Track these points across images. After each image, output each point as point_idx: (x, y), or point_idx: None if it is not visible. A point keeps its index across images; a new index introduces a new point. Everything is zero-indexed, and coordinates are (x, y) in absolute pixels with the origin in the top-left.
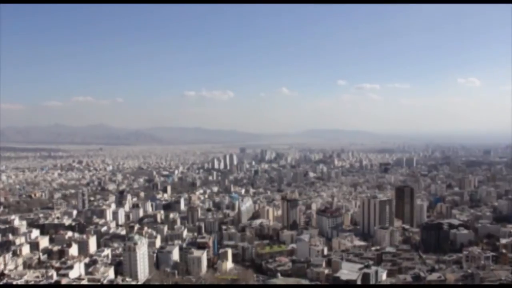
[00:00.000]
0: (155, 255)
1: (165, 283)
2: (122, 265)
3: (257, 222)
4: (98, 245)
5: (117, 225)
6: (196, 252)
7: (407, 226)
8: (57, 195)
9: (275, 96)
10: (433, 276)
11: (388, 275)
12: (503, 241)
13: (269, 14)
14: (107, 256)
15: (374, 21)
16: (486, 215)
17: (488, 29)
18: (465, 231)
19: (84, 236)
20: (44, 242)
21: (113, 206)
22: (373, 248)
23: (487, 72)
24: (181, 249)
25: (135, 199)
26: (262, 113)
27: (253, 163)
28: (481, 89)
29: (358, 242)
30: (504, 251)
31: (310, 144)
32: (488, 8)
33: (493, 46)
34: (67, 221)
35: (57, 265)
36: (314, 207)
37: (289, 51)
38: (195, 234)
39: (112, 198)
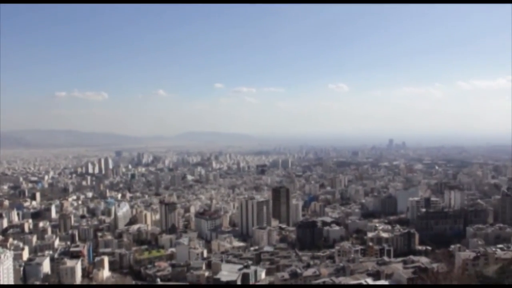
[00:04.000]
0: (22, 268)
1: None
2: None
3: (135, 227)
4: None
5: None
6: (69, 262)
7: (283, 225)
8: None
9: (152, 98)
10: (309, 272)
11: (267, 274)
12: (370, 235)
13: (146, 14)
14: None
15: (250, 24)
16: (355, 211)
17: (356, 35)
18: (337, 228)
19: None
20: None
21: None
22: (252, 248)
23: (354, 79)
24: (52, 259)
25: None
26: (139, 116)
27: (130, 166)
28: (349, 94)
29: (237, 243)
30: (370, 244)
31: (188, 147)
32: (357, 11)
33: (361, 53)
34: None
35: None
36: (192, 210)
37: (166, 53)
38: (68, 243)
39: None
